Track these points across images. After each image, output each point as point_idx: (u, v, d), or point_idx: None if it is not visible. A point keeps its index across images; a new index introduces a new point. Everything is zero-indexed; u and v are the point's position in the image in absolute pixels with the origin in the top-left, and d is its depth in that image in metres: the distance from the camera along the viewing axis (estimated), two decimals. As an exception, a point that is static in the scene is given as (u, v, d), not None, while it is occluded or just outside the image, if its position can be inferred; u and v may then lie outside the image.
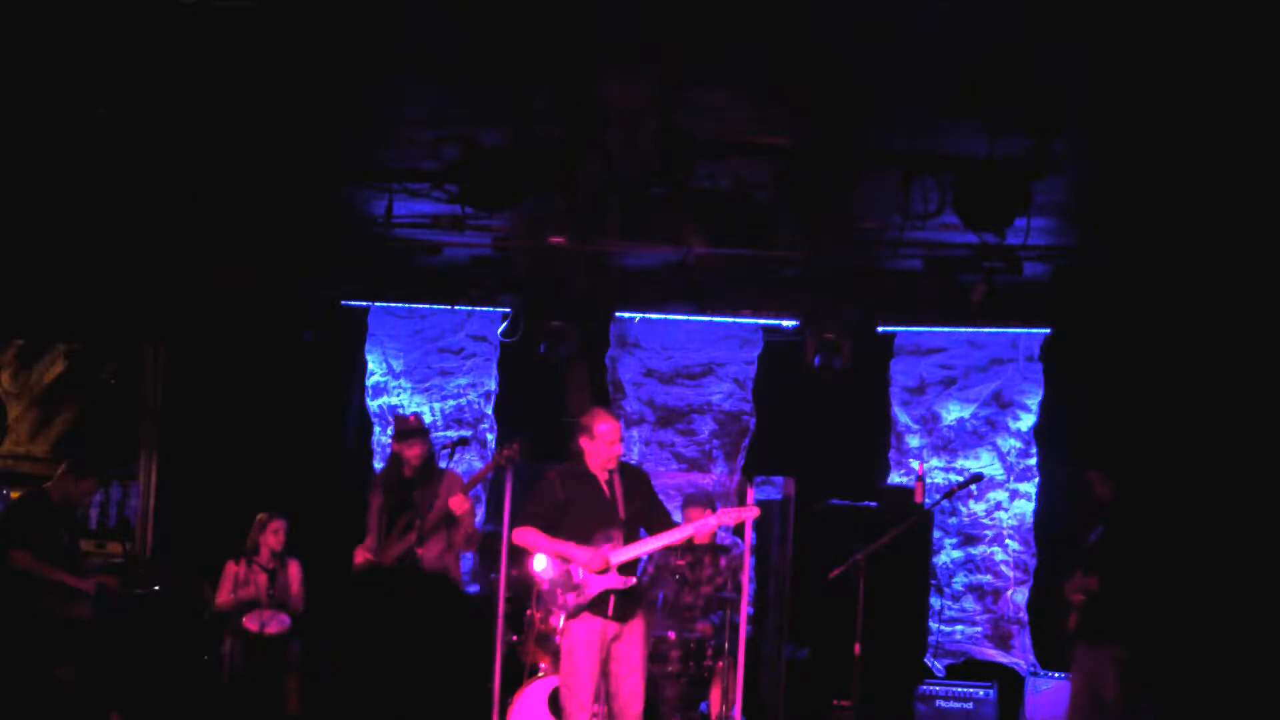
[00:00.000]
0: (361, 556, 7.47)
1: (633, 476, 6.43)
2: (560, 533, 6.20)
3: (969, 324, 8.90)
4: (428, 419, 9.46)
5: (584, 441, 6.30)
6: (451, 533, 7.24)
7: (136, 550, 9.28)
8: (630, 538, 6.23)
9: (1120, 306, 8.27)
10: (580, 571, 6.12)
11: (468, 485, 7.36)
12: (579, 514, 6.22)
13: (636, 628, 6.24)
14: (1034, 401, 9.03)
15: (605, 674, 6.17)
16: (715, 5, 4.75)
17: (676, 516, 8.35)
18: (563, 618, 6.21)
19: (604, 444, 6.27)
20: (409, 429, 7.50)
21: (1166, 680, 7.39)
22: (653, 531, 6.35)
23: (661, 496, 8.99)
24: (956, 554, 9.01)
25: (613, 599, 6.13)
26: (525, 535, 6.26)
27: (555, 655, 7.52)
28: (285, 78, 5.63)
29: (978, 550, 9.01)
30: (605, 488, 6.29)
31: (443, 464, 7.43)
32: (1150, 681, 6.30)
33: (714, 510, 7.83)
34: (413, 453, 7.43)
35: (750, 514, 6.58)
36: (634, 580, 6.18)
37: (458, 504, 7.17)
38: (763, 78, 5.44)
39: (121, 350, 9.57)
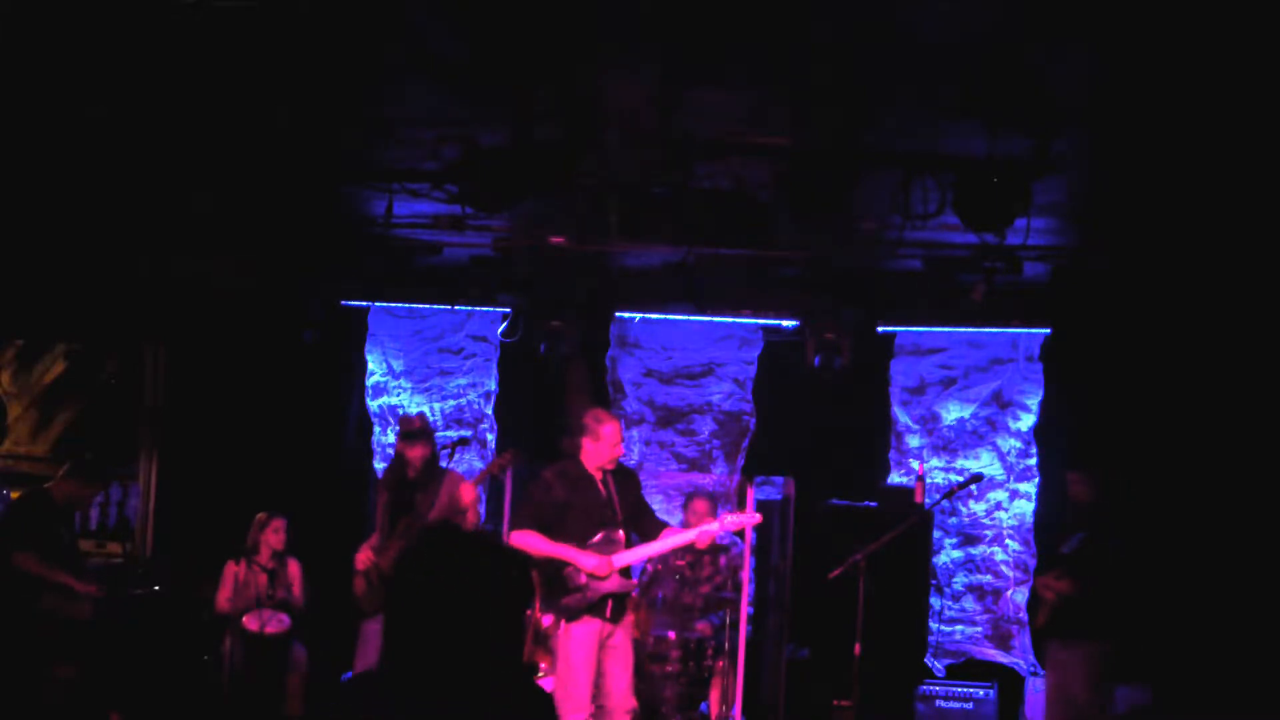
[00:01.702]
0: (364, 554, 7.48)
1: (624, 477, 6.42)
2: (557, 534, 6.17)
3: (969, 324, 8.90)
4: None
5: (586, 441, 6.28)
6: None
7: (136, 550, 9.28)
8: (627, 540, 6.22)
9: (1120, 306, 8.27)
10: (582, 575, 6.10)
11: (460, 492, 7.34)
12: (577, 515, 6.19)
13: (626, 625, 6.29)
14: (1034, 401, 9.02)
15: (600, 674, 6.17)
16: (715, 5, 4.75)
17: (675, 517, 8.37)
18: (556, 619, 6.18)
19: (607, 444, 6.25)
20: (412, 430, 7.50)
21: (1136, 678, 7.44)
22: (642, 532, 6.33)
23: (662, 496, 9.04)
24: (956, 554, 9.01)
25: (610, 601, 6.13)
26: (525, 539, 6.17)
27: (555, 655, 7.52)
28: (285, 78, 5.63)
29: (978, 550, 9.01)
30: (601, 488, 6.27)
31: (443, 464, 7.43)
32: (1119, 680, 6.27)
33: (715, 510, 7.84)
34: (415, 454, 7.43)
35: (751, 520, 6.55)
36: (634, 583, 6.18)
37: (467, 492, 7.19)
38: (763, 78, 5.44)
39: (121, 350, 9.57)
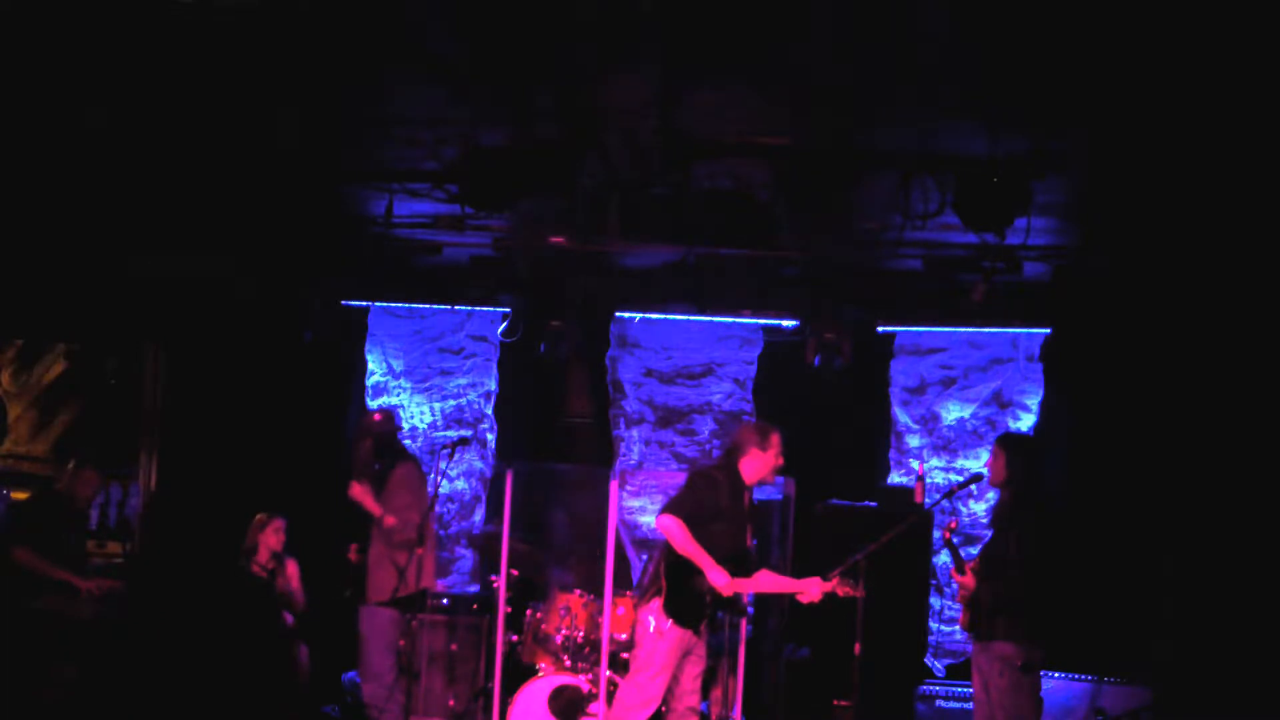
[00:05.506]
0: (353, 550, 7.59)
1: (751, 499, 6.39)
2: (699, 537, 6.05)
3: (969, 324, 8.90)
4: (427, 419, 9.47)
5: (753, 450, 6.21)
6: (378, 526, 7.26)
7: (136, 550, 9.27)
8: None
9: (1120, 307, 8.27)
10: (705, 584, 6.04)
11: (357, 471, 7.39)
12: (723, 526, 6.11)
13: (704, 639, 6.30)
14: (1034, 401, 9.02)
15: (674, 679, 6.18)
16: (715, 5, 4.75)
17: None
18: (662, 616, 6.11)
19: (774, 455, 6.20)
20: (359, 429, 7.65)
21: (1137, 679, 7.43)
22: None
23: (663, 497, 9.03)
24: (957, 554, 9.00)
25: (708, 618, 6.14)
26: (675, 526, 6.03)
27: (555, 655, 7.52)
28: (286, 77, 5.64)
29: (978, 550, 8.99)
30: (747, 504, 6.23)
31: (442, 462, 7.43)
32: (1031, 678, 6.18)
33: None
34: (363, 446, 7.57)
35: (858, 594, 6.30)
36: (741, 615, 6.19)
37: (354, 490, 7.26)
38: (763, 78, 5.45)
39: (121, 350, 9.56)
